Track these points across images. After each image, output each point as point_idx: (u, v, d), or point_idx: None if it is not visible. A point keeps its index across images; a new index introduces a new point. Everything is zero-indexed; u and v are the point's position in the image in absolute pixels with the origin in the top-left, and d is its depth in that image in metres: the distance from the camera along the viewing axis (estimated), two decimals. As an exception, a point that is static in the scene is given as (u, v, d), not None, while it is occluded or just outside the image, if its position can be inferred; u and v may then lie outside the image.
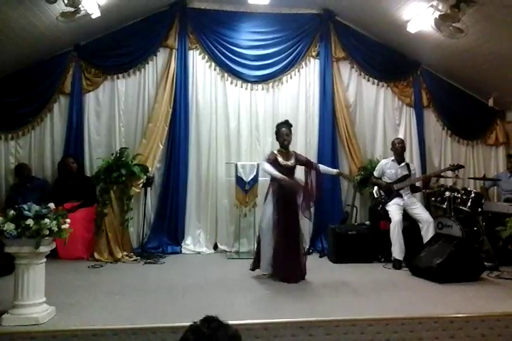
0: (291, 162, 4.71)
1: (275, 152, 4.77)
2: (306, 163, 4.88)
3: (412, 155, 6.56)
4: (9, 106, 5.96)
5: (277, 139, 4.82)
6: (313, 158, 6.42)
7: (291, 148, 4.87)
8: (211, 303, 3.78)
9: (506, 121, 6.86)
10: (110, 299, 3.86)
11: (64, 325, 3.17)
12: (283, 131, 4.74)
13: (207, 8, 6.36)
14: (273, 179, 4.65)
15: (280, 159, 4.68)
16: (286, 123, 4.84)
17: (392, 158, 5.79)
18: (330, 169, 5.11)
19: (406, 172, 5.67)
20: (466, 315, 3.44)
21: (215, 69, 6.41)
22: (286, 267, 4.48)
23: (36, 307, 3.21)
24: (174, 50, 6.27)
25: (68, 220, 3.35)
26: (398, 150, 5.74)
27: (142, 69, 6.29)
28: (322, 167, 4.96)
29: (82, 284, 4.37)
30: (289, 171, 4.67)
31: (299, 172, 5.02)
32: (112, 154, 5.81)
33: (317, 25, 6.52)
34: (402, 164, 5.71)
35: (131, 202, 5.80)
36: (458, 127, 6.85)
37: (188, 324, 1.62)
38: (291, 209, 4.58)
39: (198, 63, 6.40)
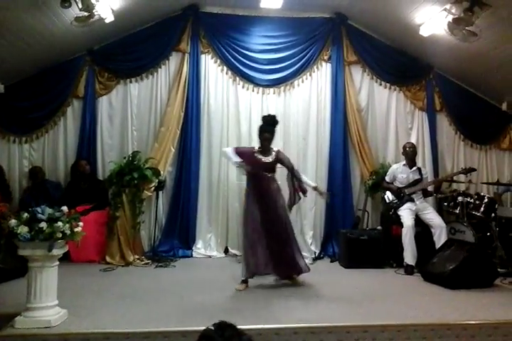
0: (267, 158, 4.60)
1: (256, 148, 4.72)
2: (287, 166, 4.69)
3: (424, 159, 6.51)
4: (23, 109, 6.04)
5: (259, 136, 4.69)
6: (324, 162, 6.47)
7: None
8: (222, 308, 3.78)
9: (520, 126, 6.79)
10: (122, 302, 3.87)
11: (76, 328, 3.18)
12: (265, 136, 4.62)
13: (219, 13, 6.39)
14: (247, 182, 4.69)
15: (257, 154, 4.63)
16: (273, 125, 4.69)
17: (404, 162, 5.75)
18: (309, 182, 4.82)
19: (418, 176, 5.62)
20: (479, 322, 3.40)
21: (227, 73, 6.43)
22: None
23: (49, 310, 3.23)
24: (186, 54, 6.30)
25: (81, 223, 3.37)
26: (409, 154, 5.70)
27: (155, 73, 6.33)
28: (303, 177, 4.77)
29: (94, 287, 4.39)
30: (265, 167, 4.59)
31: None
32: (125, 158, 5.84)
33: (329, 29, 6.52)
34: (414, 168, 5.67)
35: (142, 206, 5.83)
36: (471, 131, 6.79)
37: (199, 328, 1.61)
38: (268, 206, 4.51)
39: (210, 67, 6.43)
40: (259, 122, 4.72)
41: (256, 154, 4.65)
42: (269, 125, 4.70)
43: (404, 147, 5.82)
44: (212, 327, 1.53)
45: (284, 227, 4.55)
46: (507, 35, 5.23)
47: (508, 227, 5.52)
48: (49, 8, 4.83)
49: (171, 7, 6.16)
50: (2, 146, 6.04)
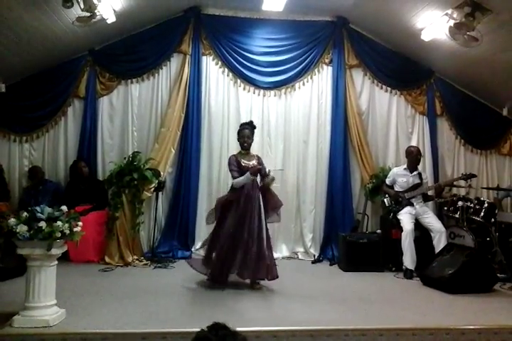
0: (252, 163, 4.67)
1: (235, 154, 4.78)
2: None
3: (424, 164, 6.47)
4: (24, 109, 6.05)
5: (238, 140, 4.80)
6: (324, 165, 6.48)
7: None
8: (220, 309, 3.77)
9: (520, 131, 6.79)
10: (120, 303, 3.86)
11: (74, 328, 3.17)
12: (244, 133, 4.73)
13: (221, 15, 6.40)
14: (232, 190, 4.65)
15: (242, 160, 4.66)
16: (250, 125, 4.80)
17: (405, 166, 5.74)
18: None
19: (418, 180, 5.61)
20: (478, 327, 3.39)
21: (228, 75, 6.44)
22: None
23: (47, 310, 3.22)
24: (188, 56, 6.30)
25: (80, 223, 3.37)
26: (414, 158, 5.68)
27: (156, 74, 6.33)
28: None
29: (93, 287, 4.38)
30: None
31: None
32: (125, 158, 5.84)
33: (330, 33, 6.53)
34: (415, 173, 5.66)
35: (142, 206, 5.82)
36: (471, 136, 6.78)
37: (197, 329, 1.60)
38: (252, 216, 4.42)
39: (211, 69, 6.43)
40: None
41: (241, 160, 4.67)
42: (248, 124, 4.80)
43: (411, 152, 5.73)
44: (206, 329, 1.53)
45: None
46: (508, 40, 5.23)
47: (508, 232, 5.50)
48: (51, 8, 4.84)
49: (173, 8, 6.17)
50: (2, 145, 6.04)
